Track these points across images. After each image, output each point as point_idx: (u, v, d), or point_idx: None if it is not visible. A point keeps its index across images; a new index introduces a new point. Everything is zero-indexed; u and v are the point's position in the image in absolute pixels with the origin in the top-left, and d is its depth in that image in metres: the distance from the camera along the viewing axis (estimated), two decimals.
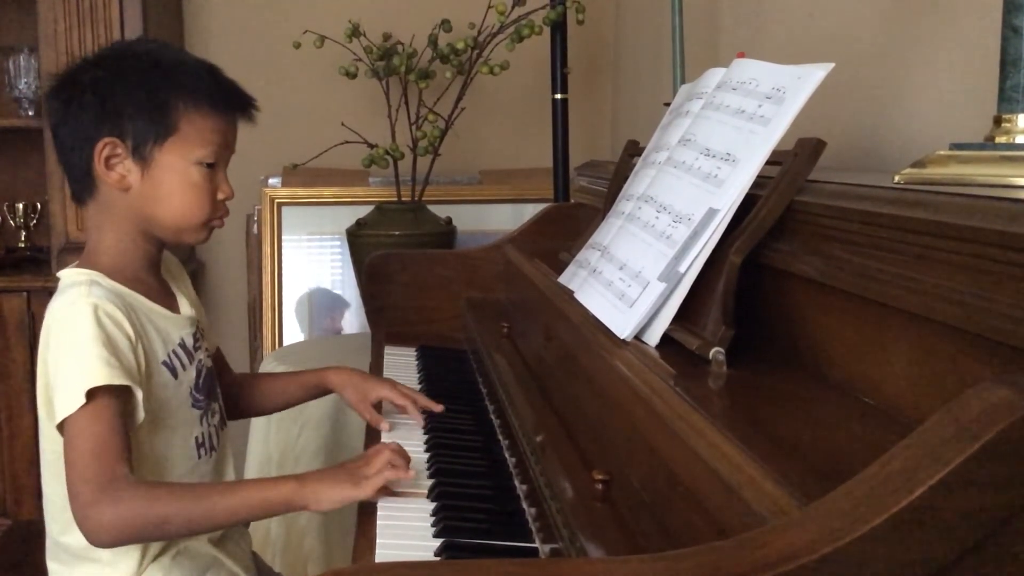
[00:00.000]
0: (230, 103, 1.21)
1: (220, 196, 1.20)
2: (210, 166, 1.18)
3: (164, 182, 1.16)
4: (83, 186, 1.18)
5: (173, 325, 1.22)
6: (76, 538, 1.15)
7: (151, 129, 1.15)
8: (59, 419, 1.07)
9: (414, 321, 1.93)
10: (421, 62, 2.51)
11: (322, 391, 1.45)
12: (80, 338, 1.08)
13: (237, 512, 1.08)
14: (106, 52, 1.23)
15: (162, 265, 1.27)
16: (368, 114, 2.60)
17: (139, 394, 1.10)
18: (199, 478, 1.23)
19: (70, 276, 1.16)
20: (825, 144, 0.99)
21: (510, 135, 3.01)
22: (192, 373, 1.23)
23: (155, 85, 1.15)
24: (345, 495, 1.06)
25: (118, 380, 1.07)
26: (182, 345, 1.22)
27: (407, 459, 1.11)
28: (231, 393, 1.40)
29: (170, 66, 1.18)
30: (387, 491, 1.09)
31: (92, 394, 1.06)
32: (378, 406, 1.39)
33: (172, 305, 1.25)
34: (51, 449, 1.14)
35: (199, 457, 1.23)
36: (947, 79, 1.31)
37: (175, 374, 1.20)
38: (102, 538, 1.07)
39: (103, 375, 1.06)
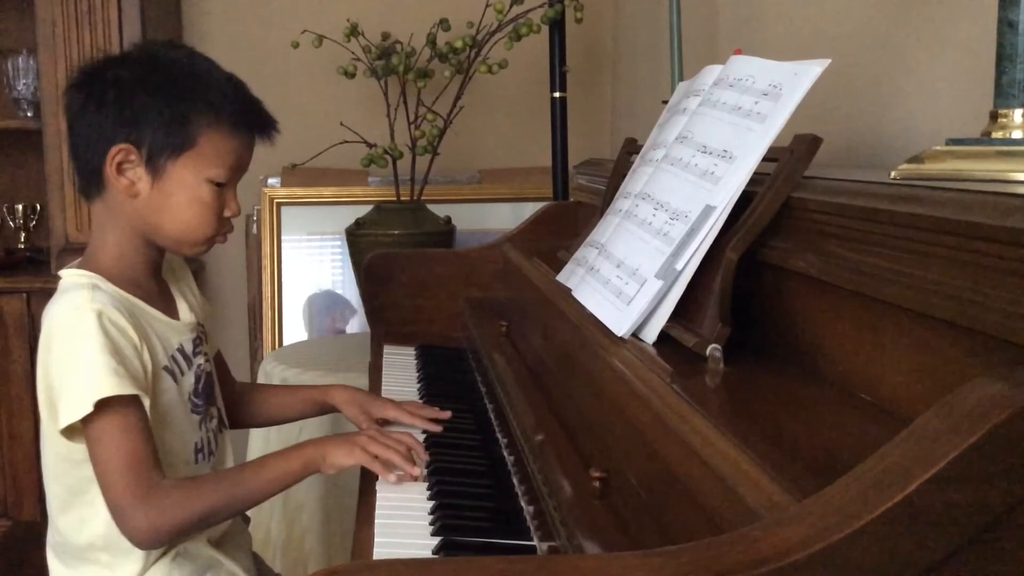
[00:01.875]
0: (252, 125, 1.19)
1: (227, 214, 1.19)
2: (221, 184, 1.17)
3: (173, 195, 1.15)
4: (90, 184, 1.17)
5: (172, 331, 1.21)
6: (76, 539, 1.15)
7: (168, 141, 1.13)
8: (63, 425, 1.07)
9: (413, 320, 1.93)
10: (420, 61, 2.51)
11: (324, 409, 1.45)
12: (86, 347, 1.07)
13: (270, 484, 1.14)
14: (134, 53, 1.22)
15: (165, 265, 1.27)
16: (367, 114, 2.60)
17: (146, 401, 1.10)
18: None
19: (71, 278, 1.15)
20: (821, 140, 0.99)
21: (509, 134, 3.01)
22: (191, 378, 1.22)
23: (178, 97, 1.13)
24: (341, 462, 1.14)
25: (126, 390, 1.07)
26: (180, 350, 1.21)
27: (421, 458, 1.16)
28: (231, 402, 1.38)
29: (197, 79, 1.16)
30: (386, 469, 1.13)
31: (108, 405, 1.06)
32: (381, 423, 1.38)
33: (171, 310, 1.24)
34: (53, 452, 1.14)
35: (196, 462, 1.23)
36: (943, 74, 1.31)
37: (176, 379, 1.19)
38: (155, 544, 1.11)
39: (111, 385, 1.06)
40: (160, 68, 1.16)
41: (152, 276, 1.23)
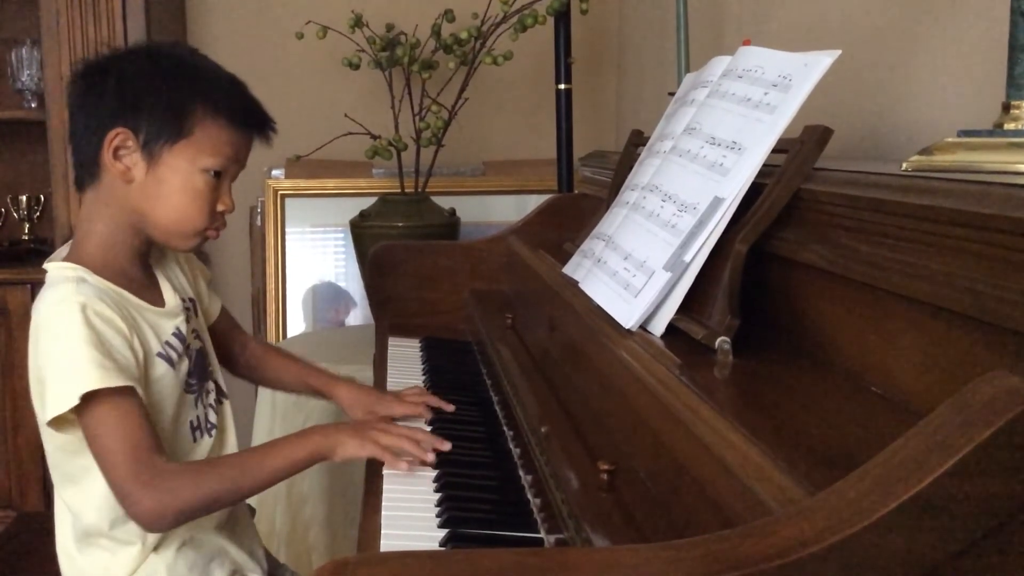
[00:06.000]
0: (249, 120, 1.20)
1: (220, 208, 1.19)
2: (217, 176, 1.17)
3: (167, 182, 1.15)
4: (87, 171, 1.18)
5: (163, 317, 1.21)
6: (78, 522, 1.16)
7: (165, 128, 1.14)
8: (49, 417, 1.08)
9: (418, 313, 1.93)
10: (424, 53, 2.51)
11: (325, 399, 1.46)
12: (70, 340, 1.07)
13: (276, 472, 1.14)
14: (139, 47, 1.24)
15: (153, 252, 1.26)
16: (371, 105, 2.59)
17: (139, 389, 1.10)
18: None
19: (57, 271, 1.15)
20: (832, 132, 0.98)
21: (514, 126, 3.01)
22: (186, 360, 1.23)
23: (178, 86, 1.15)
24: (353, 454, 1.16)
25: (113, 382, 1.06)
26: (177, 334, 1.21)
27: (438, 447, 1.18)
28: (243, 361, 1.44)
29: (198, 72, 1.18)
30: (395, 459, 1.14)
31: (100, 397, 1.06)
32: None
33: (157, 298, 1.23)
34: (49, 442, 1.15)
35: (195, 440, 1.23)
36: (955, 66, 1.30)
37: (172, 364, 1.19)
38: (161, 527, 1.13)
39: (96, 378, 1.05)
40: (163, 60, 1.18)
41: (139, 265, 1.22)
